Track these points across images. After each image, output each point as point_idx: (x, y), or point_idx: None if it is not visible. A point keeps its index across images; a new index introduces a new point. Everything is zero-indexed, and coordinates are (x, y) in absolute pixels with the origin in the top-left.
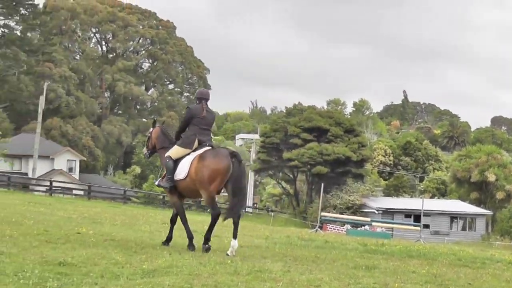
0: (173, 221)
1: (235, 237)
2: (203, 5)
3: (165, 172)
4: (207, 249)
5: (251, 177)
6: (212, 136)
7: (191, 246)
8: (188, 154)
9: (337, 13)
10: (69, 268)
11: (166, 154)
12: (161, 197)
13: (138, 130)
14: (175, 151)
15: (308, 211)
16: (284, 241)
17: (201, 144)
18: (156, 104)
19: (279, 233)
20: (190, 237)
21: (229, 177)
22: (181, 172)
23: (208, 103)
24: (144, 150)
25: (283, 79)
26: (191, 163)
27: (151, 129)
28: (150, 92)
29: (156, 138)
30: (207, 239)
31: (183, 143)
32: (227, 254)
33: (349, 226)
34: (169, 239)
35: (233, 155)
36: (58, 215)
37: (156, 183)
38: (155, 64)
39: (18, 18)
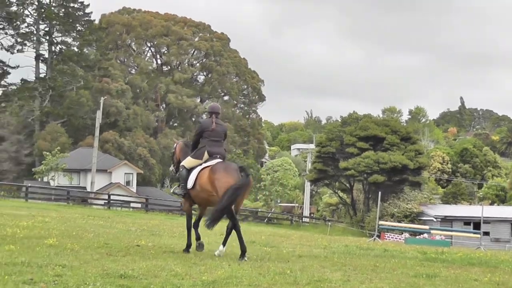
0: (193, 227)
1: (224, 243)
2: (255, 18)
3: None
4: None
5: (307, 186)
6: (224, 147)
7: (186, 251)
8: (200, 164)
9: (390, 21)
10: (130, 281)
11: (181, 164)
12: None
13: None
14: (188, 161)
15: (365, 220)
16: (342, 250)
17: (211, 156)
18: None
19: (337, 242)
20: (189, 244)
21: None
22: (190, 181)
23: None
24: (171, 167)
25: (337, 89)
26: (198, 173)
27: (175, 145)
28: (205, 104)
29: (179, 152)
30: (243, 251)
31: (194, 155)
32: (215, 254)
33: (407, 235)
34: (189, 245)
35: (242, 169)
36: (117, 228)
37: (171, 190)
38: (209, 76)
39: (75, 34)
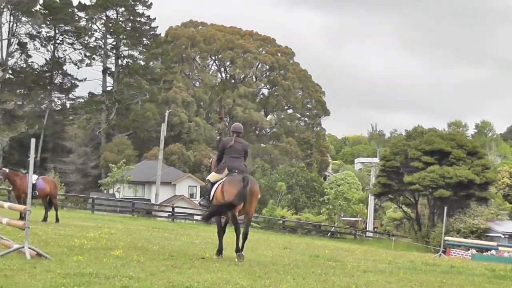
0: (220, 233)
1: (238, 249)
2: (315, 32)
3: None
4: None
5: (371, 201)
6: (243, 163)
7: (217, 254)
8: (221, 179)
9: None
10: None
11: (207, 178)
12: (281, 222)
13: (257, 155)
14: (212, 176)
15: (430, 235)
16: (408, 265)
17: (230, 171)
18: (275, 130)
19: (402, 258)
20: (220, 249)
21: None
22: (211, 193)
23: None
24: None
25: (401, 102)
26: (217, 187)
27: (211, 160)
28: (269, 117)
29: (213, 166)
30: (237, 250)
31: (217, 170)
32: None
33: (474, 251)
34: (220, 251)
35: (243, 179)
36: (181, 241)
37: (198, 202)
38: (274, 89)
39: (141, 48)
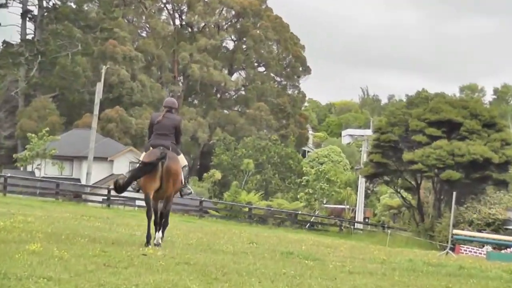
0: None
1: (158, 230)
2: None
3: None
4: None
5: (361, 184)
6: (173, 141)
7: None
8: None
9: None
10: None
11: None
12: (247, 209)
13: (219, 124)
14: (142, 156)
15: (435, 228)
16: (405, 266)
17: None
18: (242, 93)
19: (399, 256)
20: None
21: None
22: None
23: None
24: None
25: (400, 61)
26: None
27: None
28: (234, 77)
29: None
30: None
31: (144, 149)
32: (154, 244)
33: (489, 248)
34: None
35: (162, 153)
36: (118, 232)
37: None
38: (242, 42)
39: None
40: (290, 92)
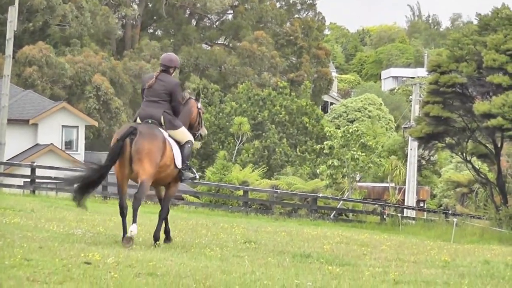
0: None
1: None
2: None
3: None
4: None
5: (412, 150)
6: (165, 109)
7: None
8: None
9: None
10: None
11: None
12: (241, 192)
13: (197, 66)
14: None
15: None
16: (479, 271)
17: (142, 121)
18: (230, 16)
19: (470, 257)
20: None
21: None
22: None
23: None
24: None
25: None
26: None
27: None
28: None
29: None
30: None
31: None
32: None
33: None
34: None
35: (130, 128)
36: (48, 231)
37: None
38: None
39: None
40: (302, 15)
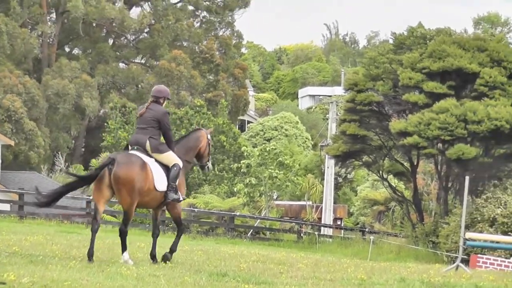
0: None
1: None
2: None
3: None
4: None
5: (329, 169)
6: (152, 135)
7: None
8: None
9: None
10: None
11: None
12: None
13: (114, 85)
14: None
15: (440, 232)
16: None
17: (131, 147)
18: (146, 35)
19: (386, 274)
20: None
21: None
22: None
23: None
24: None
25: None
26: None
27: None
28: (134, 12)
29: None
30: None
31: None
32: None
33: None
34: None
35: (109, 158)
36: None
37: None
38: None
39: None
40: (220, 32)
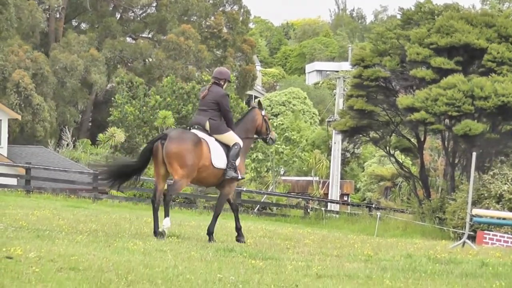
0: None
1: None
2: None
3: None
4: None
5: (336, 144)
6: (211, 117)
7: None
8: None
9: None
10: None
11: None
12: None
13: (122, 60)
14: None
15: (447, 208)
16: (401, 265)
17: (191, 127)
18: (154, 9)
19: (392, 251)
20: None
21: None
22: None
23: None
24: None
25: None
26: None
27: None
28: None
29: None
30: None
31: None
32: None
33: None
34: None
35: (162, 134)
36: None
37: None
38: None
39: None
40: (227, 8)
